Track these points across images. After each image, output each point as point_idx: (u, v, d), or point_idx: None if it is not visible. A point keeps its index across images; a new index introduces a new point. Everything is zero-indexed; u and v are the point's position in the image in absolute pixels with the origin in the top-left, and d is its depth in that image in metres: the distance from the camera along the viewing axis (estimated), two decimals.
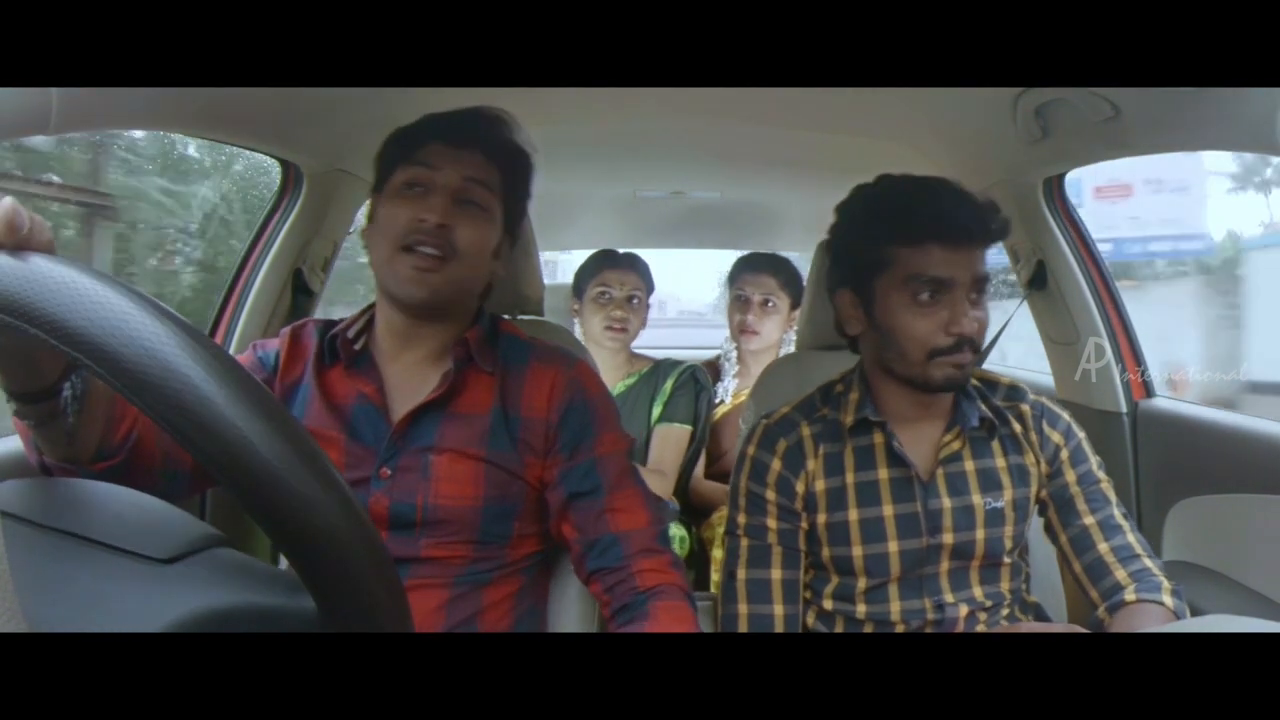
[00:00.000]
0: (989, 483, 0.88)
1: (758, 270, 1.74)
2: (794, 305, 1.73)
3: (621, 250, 1.77)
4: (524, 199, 0.89)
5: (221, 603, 0.35)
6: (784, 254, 1.90)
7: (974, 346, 0.84)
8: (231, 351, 1.23)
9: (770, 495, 0.90)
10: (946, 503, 0.87)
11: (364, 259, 0.89)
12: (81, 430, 0.67)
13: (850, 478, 0.89)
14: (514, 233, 0.90)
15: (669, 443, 1.63)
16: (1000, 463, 0.89)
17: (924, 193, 0.85)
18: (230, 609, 0.35)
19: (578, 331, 1.72)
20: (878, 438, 0.90)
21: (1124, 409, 1.29)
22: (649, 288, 1.73)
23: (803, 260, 1.94)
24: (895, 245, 0.84)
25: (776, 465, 0.90)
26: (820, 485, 0.89)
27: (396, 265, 0.79)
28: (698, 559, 1.65)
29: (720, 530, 1.55)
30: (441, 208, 0.79)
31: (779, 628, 0.88)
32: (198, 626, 0.34)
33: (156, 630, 0.33)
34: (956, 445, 0.89)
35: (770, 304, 1.71)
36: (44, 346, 0.60)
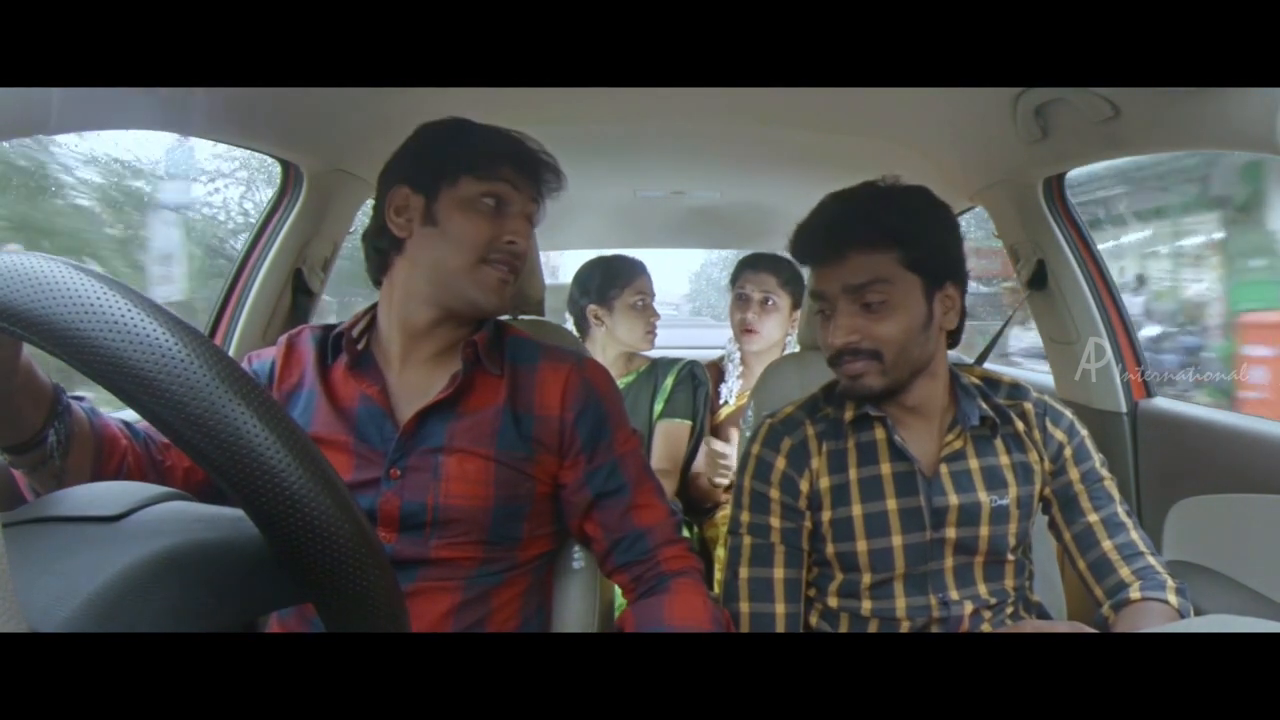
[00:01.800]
0: (994, 481, 0.89)
1: (758, 269, 1.74)
2: (795, 305, 1.73)
3: (627, 254, 1.78)
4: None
5: (166, 545, 0.35)
6: (785, 254, 1.89)
7: (868, 354, 0.84)
8: (231, 353, 1.23)
9: (775, 494, 0.90)
10: (953, 500, 0.87)
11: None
12: (70, 472, 0.68)
13: (853, 473, 0.89)
14: None
15: (671, 440, 1.64)
16: (1004, 460, 0.90)
17: (814, 211, 0.90)
18: (174, 548, 0.35)
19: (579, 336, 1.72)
20: (879, 433, 0.90)
21: (1124, 409, 1.29)
22: None
23: None
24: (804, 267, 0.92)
25: (781, 464, 0.90)
26: (825, 483, 0.90)
27: (479, 275, 0.82)
28: (700, 558, 1.65)
29: (723, 529, 1.55)
30: (526, 232, 0.84)
31: (780, 626, 0.88)
32: (145, 570, 0.34)
33: (105, 579, 0.33)
34: (959, 444, 0.89)
35: (770, 302, 1.71)
36: (24, 401, 0.61)
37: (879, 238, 0.84)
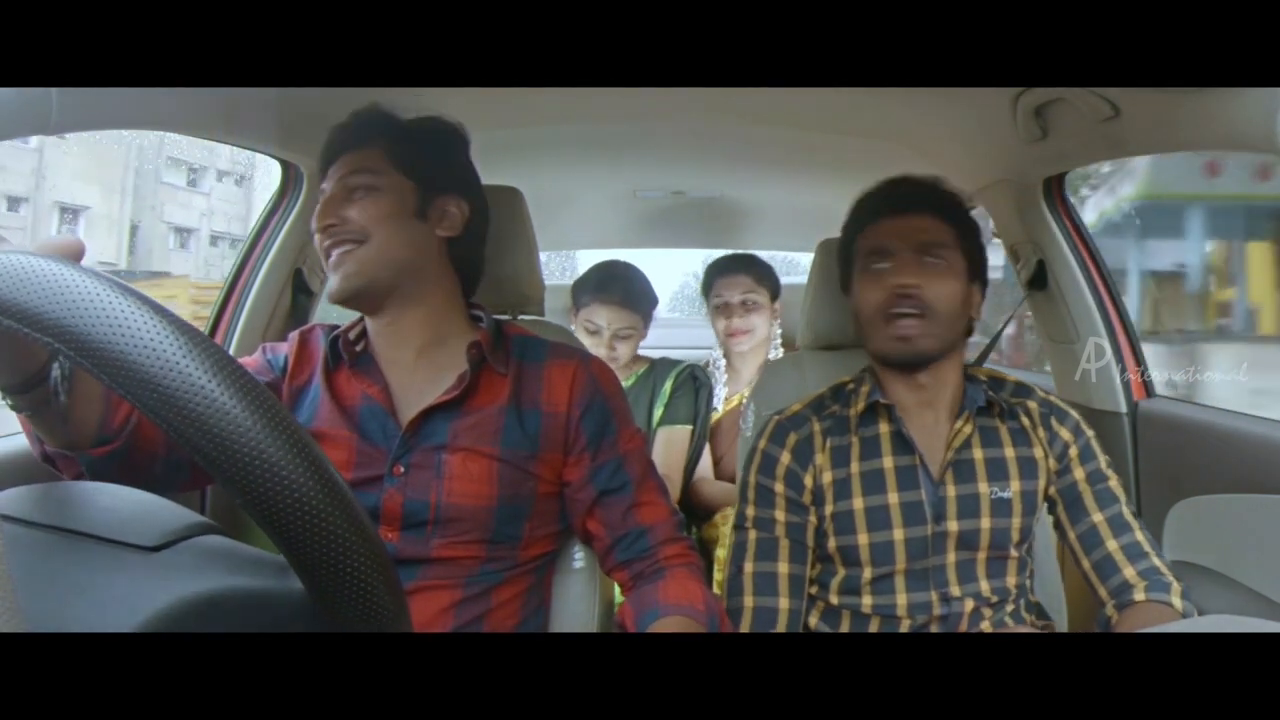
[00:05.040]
0: (996, 472, 0.89)
1: (730, 273, 1.71)
2: (774, 297, 1.72)
3: (622, 263, 1.71)
4: (433, 155, 0.88)
5: (207, 587, 0.35)
6: (785, 254, 1.89)
7: (921, 308, 0.87)
8: (232, 352, 1.23)
9: (779, 488, 0.91)
10: (952, 490, 0.88)
11: None
12: (75, 410, 0.67)
13: (856, 467, 0.90)
14: (454, 191, 0.87)
15: (672, 446, 1.62)
16: (1009, 453, 0.90)
17: (878, 186, 0.96)
18: (216, 592, 0.35)
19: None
20: (884, 427, 0.91)
21: (1124, 409, 1.29)
22: (647, 316, 1.67)
23: (804, 260, 1.93)
24: (858, 233, 0.94)
25: (786, 458, 0.91)
26: (828, 478, 0.90)
27: (329, 271, 0.82)
28: (700, 558, 1.64)
29: (723, 529, 1.55)
30: (330, 208, 0.81)
31: (782, 622, 0.88)
32: (185, 612, 0.34)
33: (144, 616, 0.33)
34: (968, 430, 0.90)
35: (750, 302, 1.69)
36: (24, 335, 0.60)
37: (947, 210, 0.92)
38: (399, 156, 0.84)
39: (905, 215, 0.90)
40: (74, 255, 0.47)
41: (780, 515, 0.90)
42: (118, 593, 0.34)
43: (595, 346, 1.60)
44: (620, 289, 1.62)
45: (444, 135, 0.89)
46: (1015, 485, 0.89)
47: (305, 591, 0.35)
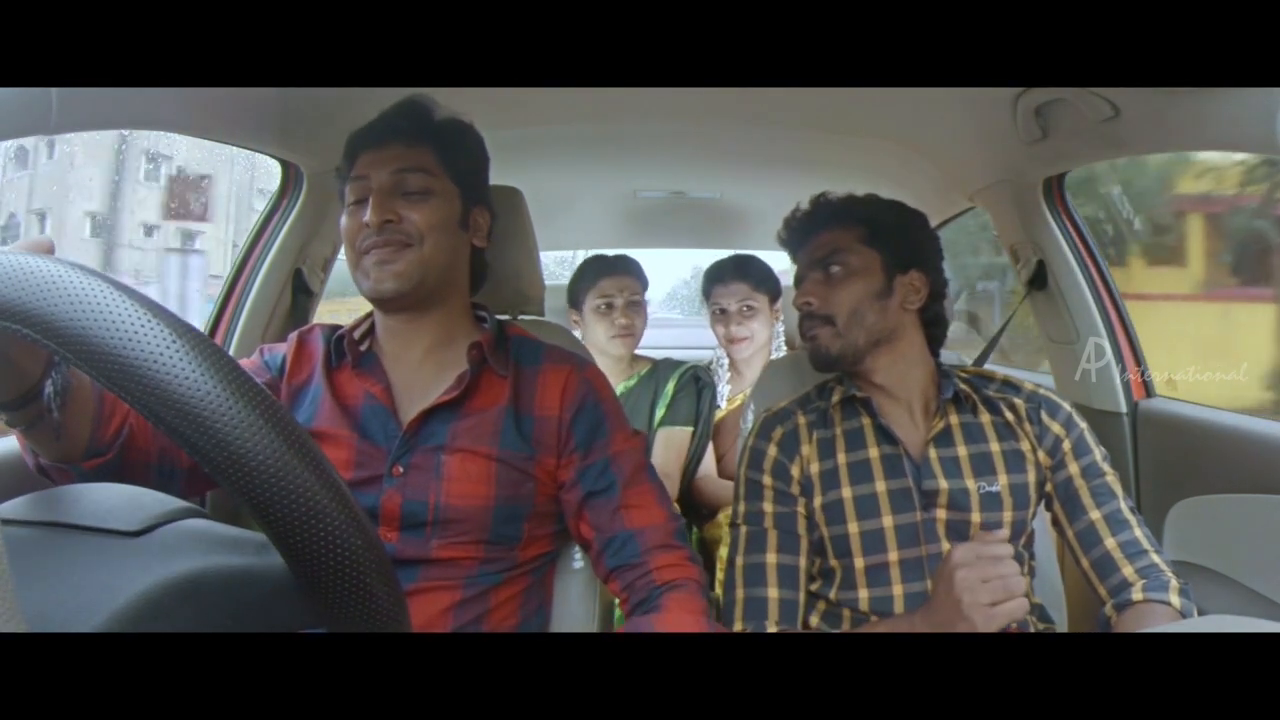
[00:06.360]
0: (982, 467, 0.90)
1: (726, 280, 1.71)
2: (773, 300, 1.73)
3: (611, 253, 1.75)
4: (474, 165, 0.89)
5: (189, 568, 0.35)
6: (749, 253, 1.86)
7: (822, 319, 0.93)
8: (232, 352, 1.23)
9: (767, 480, 0.92)
10: (942, 484, 0.89)
11: None
12: (68, 425, 0.67)
13: (842, 458, 0.92)
14: (483, 202, 0.90)
15: (672, 447, 1.62)
16: (994, 448, 0.91)
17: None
18: (197, 572, 0.35)
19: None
20: (865, 419, 0.93)
21: (1124, 409, 1.29)
22: (645, 286, 1.73)
23: None
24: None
25: (773, 451, 0.93)
26: (815, 468, 0.92)
27: (362, 267, 0.82)
28: (702, 561, 1.64)
29: (726, 529, 1.55)
30: (380, 206, 0.81)
31: (773, 612, 0.89)
32: (166, 592, 0.34)
33: (125, 599, 0.33)
34: (940, 424, 0.91)
35: (748, 309, 1.69)
36: (19, 352, 0.60)
37: (844, 217, 0.95)
38: (450, 162, 0.85)
39: (807, 243, 0.97)
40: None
41: (768, 507, 0.92)
42: (98, 577, 0.34)
43: (611, 322, 1.64)
44: (621, 264, 1.71)
45: (481, 145, 0.91)
46: (1003, 479, 0.90)
47: (285, 567, 0.35)
